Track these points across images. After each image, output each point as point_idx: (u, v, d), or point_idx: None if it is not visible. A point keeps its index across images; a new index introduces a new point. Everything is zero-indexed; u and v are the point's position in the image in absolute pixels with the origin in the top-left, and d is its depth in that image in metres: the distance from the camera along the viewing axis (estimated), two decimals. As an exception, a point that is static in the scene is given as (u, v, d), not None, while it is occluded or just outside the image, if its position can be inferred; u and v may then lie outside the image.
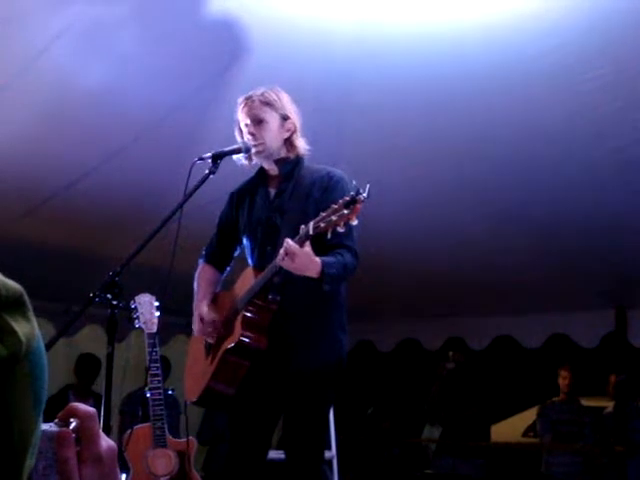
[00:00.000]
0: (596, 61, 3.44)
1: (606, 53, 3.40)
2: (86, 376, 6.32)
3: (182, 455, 4.11)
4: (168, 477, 4.07)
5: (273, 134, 3.00)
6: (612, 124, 3.80)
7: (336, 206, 2.56)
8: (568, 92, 3.65)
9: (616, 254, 5.08)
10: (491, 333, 6.74)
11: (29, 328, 0.65)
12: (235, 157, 3.02)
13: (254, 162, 3.07)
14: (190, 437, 4.28)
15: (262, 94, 3.00)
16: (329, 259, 2.76)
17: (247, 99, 3.01)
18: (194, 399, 3.09)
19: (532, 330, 6.49)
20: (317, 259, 2.69)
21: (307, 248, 2.64)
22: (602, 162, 4.17)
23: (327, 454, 4.57)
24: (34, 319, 0.67)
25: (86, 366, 6.32)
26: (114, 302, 2.85)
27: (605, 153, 4.09)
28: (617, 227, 4.76)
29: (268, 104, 2.99)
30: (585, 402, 6.42)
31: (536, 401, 6.61)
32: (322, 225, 2.58)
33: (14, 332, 0.63)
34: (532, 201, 4.68)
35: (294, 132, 3.04)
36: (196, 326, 3.11)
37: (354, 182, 2.61)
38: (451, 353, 6.85)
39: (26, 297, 0.66)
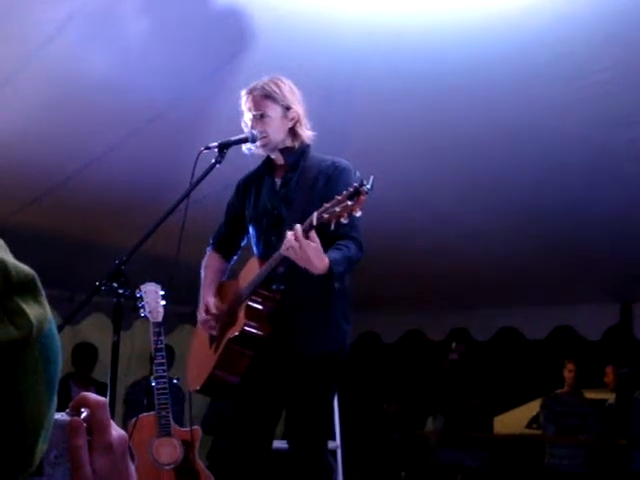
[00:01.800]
0: (603, 53, 3.42)
1: (613, 44, 3.38)
2: (83, 365, 6.36)
3: (187, 444, 4.12)
4: (173, 466, 4.08)
5: (276, 127, 3.00)
6: (621, 117, 3.78)
7: (340, 197, 2.55)
8: (575, 84, 3.63)
9: (623, 247, 5.07)
10: (495, 325, 6.74)
11: (41, 311, 0.65)
12: (244, 147, 3.01)
13: (261, 151, 3.07)
14: (195, 426, 4.29)
15: (262, 87, 2.99)
16: (336, 256, 2.73)
17: (249, 92, 3.01)
18: (197, 387, 3.09)
19: (536, 322, 6.49)
20: (325, 258, 2.66)
21: (315, 242, 2.62)
22: (607, 156, 4.15)
23: (331, 444, 4.58)
24: (46, 303, 0.67)
25: (83, 355, 6.36)
26: (120, 291, 2.86)
27: (609, 147, 4.07)
28: (623, 221, 4.74)
29: (269, 97, 2.98)
30: (587, 394, 6.43)
31: (540, 393, 6.61)
32: (325, 216, 2.57)
33: (25, 314, 0.63)
34: (537, 193, 4.66)
35: (297, 121, 3.03)
36: (199, 316, 3.12)
37: (357, 173, 2.60)
38: (454, 344, 6.86)
39: (38, 281, 0.66)
